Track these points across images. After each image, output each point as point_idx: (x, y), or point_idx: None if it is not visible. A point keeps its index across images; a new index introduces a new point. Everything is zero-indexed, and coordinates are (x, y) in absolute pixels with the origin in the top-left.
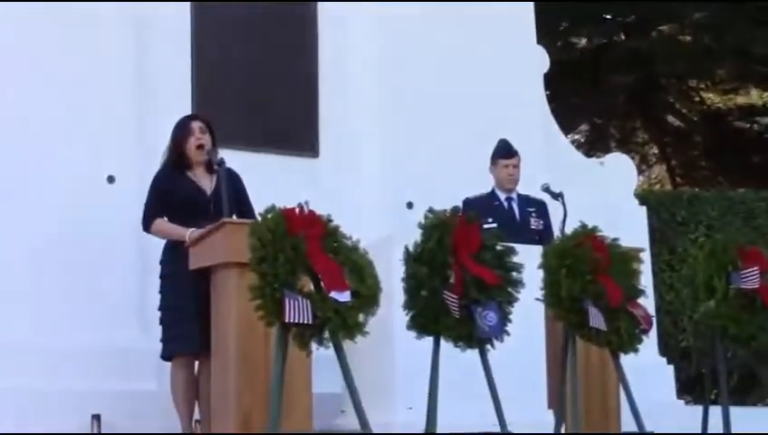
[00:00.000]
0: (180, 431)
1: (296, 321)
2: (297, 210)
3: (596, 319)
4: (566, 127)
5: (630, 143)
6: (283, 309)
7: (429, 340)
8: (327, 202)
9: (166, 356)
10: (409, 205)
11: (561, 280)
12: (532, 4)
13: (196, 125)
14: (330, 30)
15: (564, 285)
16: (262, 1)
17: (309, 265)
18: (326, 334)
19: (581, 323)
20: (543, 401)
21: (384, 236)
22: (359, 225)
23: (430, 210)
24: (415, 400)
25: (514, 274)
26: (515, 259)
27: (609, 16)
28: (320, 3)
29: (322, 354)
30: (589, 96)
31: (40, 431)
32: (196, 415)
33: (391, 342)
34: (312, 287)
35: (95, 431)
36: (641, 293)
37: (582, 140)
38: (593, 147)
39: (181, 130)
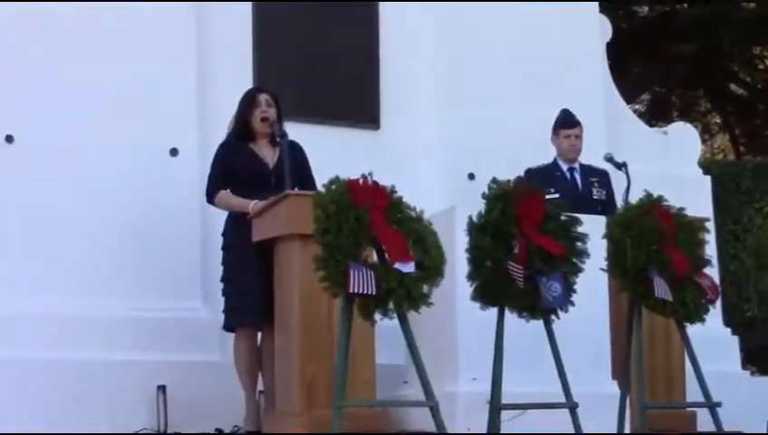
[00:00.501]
0: (244, 402)
1: (360, 292)
2: (361, 181)
3: (662, 289)
4: (628, 96)
5: (693, 112)
6: (347, 280)
7: (493, 311)
8: (389, 174)
9: (228, 327)
10: (471, 176)
11: (626, 250)
12: None
13: (262, 97)
14: (390, 3)
15: (630, 255)
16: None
17: (373, 237)
18: (390, 305)
19: (647, 293)
20: (608, 372)
21: (447, 207)
22: (421, 196)
23: (494, 181)
24: (479, 370)
25: (579, 244)
26: (580, 229)
27: None
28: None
29: (386, 325)
30: (650, 65)
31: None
32: (260, 386)
33: (455, 312)
34: (376, 258)
35: (161, 403)
36: (708, 262)
37: (644, 110)
38: (655, 116)
39: (247, 102)
